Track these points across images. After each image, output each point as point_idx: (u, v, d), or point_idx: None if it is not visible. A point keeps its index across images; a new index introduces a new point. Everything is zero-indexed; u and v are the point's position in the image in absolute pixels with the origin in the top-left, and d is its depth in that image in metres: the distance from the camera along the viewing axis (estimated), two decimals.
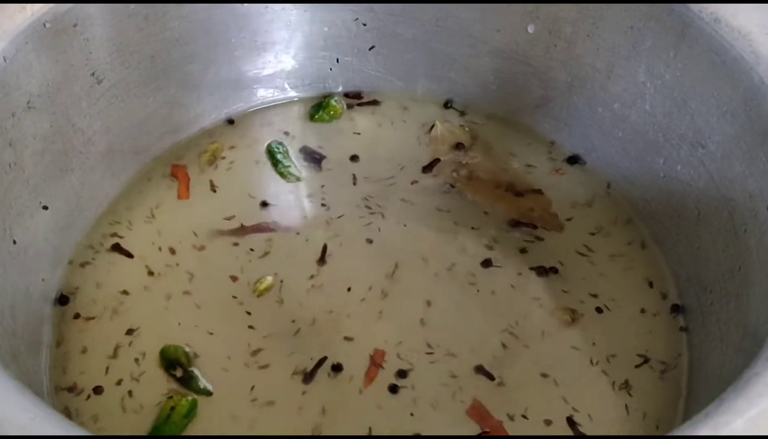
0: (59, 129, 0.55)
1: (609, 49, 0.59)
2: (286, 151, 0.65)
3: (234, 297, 0.56)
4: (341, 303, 0.56)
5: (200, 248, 0.59)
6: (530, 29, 0.62)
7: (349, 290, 0.57)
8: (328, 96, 0.69)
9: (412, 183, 0.63)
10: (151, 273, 0.57)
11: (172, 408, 0.51)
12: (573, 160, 0.65)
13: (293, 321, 0.55)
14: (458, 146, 0.65)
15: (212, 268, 0.58)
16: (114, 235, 0.59)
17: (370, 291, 0.57)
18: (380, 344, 0.54)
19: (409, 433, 0.51)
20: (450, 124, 0.67)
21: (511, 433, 0.51)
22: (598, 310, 0.56)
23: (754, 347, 0.42)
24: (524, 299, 0.57)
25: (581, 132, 0.64)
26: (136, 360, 0.53)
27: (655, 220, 0.60)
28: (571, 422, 0.51)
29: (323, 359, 0.53)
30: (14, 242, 0.52)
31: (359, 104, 0.68)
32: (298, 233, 0.60)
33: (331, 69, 0.68)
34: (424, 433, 0.51)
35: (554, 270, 0.58)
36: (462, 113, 0.68)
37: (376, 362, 0.53)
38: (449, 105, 0.68)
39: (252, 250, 0.59)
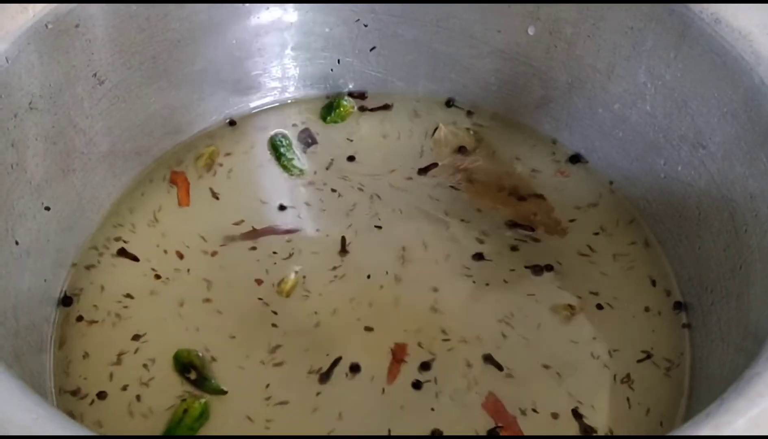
0: (61, 130, 0.55)
1: (609, 50, 0.59)
2: (290, 144, 0.65)
3: (260, 299, 0.56)
4: (362, 292, 0.57)
5: (212, 253, 0.58)
6: (530, 31, 0.62)
7: (369, 277, 0.58)
8: (338, 96, 0.69)
9: (407, 179, 0.64)
10: (158, 277, 0.57)
11: (185, 411, 0.51)
12: (575, 158, 0.65)
13: (315, 313, 0.56)
14: (461, 149, 0.65)
15: (232, 273, 0.58)
16: (119, 239, 0.59)
17: (386, 276, 0.57)
18: (400, 334, 0.54)
19: (428, 428, 0.51)
20: (454, 128, 0.67)
21: (523, 428, 0.51)
22: (599, 307, 0.57)
23: (755, 346, 0.42)
24: (519, 293, 0.57)
25: (582, 132, 0.64)
26: (145, 366, 0.53)
27: (657, 220, 0.60)
28: (576, 414, 0.52)
29: (338, 359, 0.53)
30: (17, 243, 0.52)
31: (371, 110, 0.68)
32: (318, 230, 0.60)
33: (332, 70, 0.68)
34: (442, 427, 0.51)
35: (549, 268, 0.58)
36: (469, 113, 0.68)
37: (398, 356, 0.53)
38: (451, 104, 0.68)
39: (275, 252, 0.59)
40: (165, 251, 0.58)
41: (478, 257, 0.59)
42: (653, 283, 0.58)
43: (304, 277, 0.57)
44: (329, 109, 0.68)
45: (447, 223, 0.61)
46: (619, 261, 0.59)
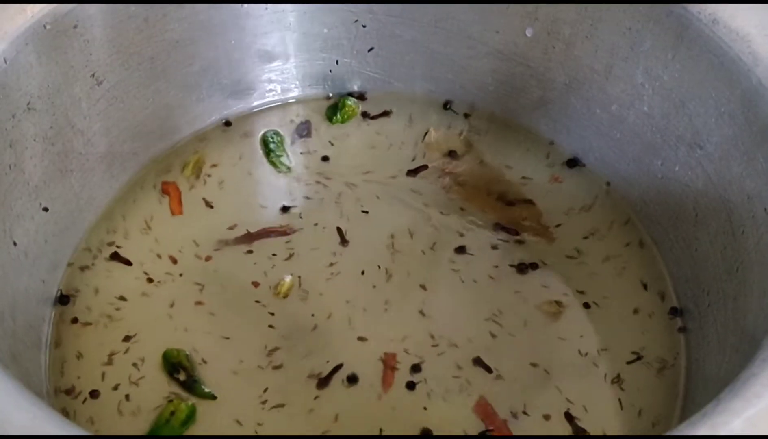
0: (59, 130, 0.55)
1: (607, 51, 0.59)
2: (280, 141, 0.66)
3: (257, 301, 0.56)
4: (357, 292, 0.57)
5: (206, 258, 0.58)
6: (528, 33, 0.62)
7: (363, 273, 0.58)
8: (342, 96, 0.69)
9: (392, 177, 0.64)
10: (150, 280, 0.57)
11: (172, 412, 0.51)
12: (573, 163, 0.65)
13: (312, 315, 0.56)
14: (451, 154, 0.65)
15: (226, 276, 0.57)
16: (111, 244, 0.59)
17: (379, 271, 0.58)
18: (389, 343, 0.54)
19: (419, 427, 0.51)
20: (445, 132, 0.67)
21: (514, 431, 0.51)
22: (586, 305, 0.57)
23: (752, 348, 0.42)
24: (505, 291, 0.57)
25: (579, 133, 0.64)
26: (135, 365, 0.53)
27: (653, 221, 0.60)
28: (568, 416, 0.52)
29: (339, 366, 0.53)
30: (14, 244, 0.52)
31: (372, 118, 0.68)
32: (316, 224, 0.61)
33: (330, 70, 0.68)
34: (433, 427, 0.51)
35: (535, 266, 0.58)
36: (466, 115, 0.68)
37: (389, 364, 0.53)
38: (448, 106, 0.69)
39: (274, 255, 0.59)
40: (158, 256, 0.58)
41: (460, 250, 0.59)
42: (645, 286, 0.58)
43: (299, 277, 0.57)
44: (334, 109, 0.68)
45: (429, 216, 0.61)
46: (611, 262, 0.59)
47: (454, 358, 0.54)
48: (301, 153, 0.66)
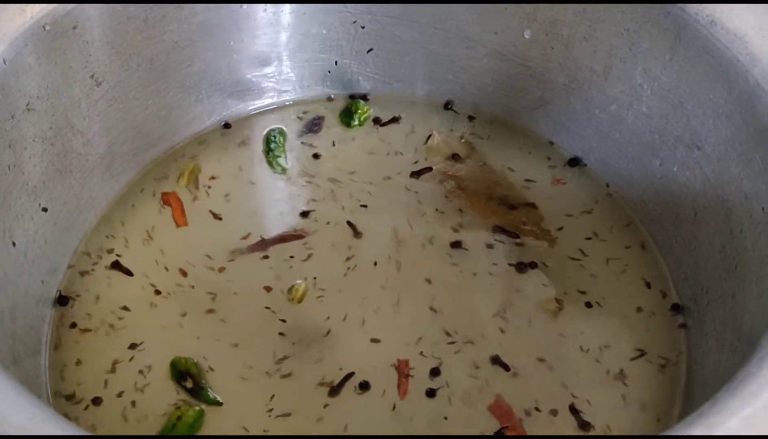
0: (58, 131, 0.55)
1: (606, 52, 0.59)
2: (282, 142, 0.66)
3: (267, 308, 0.56)
4: (371, 288, 0.57)
5: (219, 269, 0.58)
6: (527, 35, 0.62)
7: (375, 264, 0.58)
8: (354, 99, 0.69)
9: (386, 178, 0.64)
10: (158, 292, 0.57)
11: (179, 418, 0.51)
12: (574, 162, 0.65)
13: (327, 319, 0.55)
14: (453, 157, 0.65)
15: (240, 284, 0.57)
16: (111, 251, 0.59)
17: (389, 263, 0.58)
18: (403, 347, 0.54)
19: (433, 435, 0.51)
20: (447, 136, 0.67)
21: (527, 429, 0.51)
22: (588, 304, 0.57)
23: (749, 347, 0.42)
24: (506, 289, 0.57)
25: (579, 134, 0.64)
26: (141, 372, 0.53)
27: (653, 221, 0.60)
28: (573, 410, 0.52)
29: (351, 374, 0.53)
30: (14, 244, 0.52)
31: (383, 124, 0.68)
32: (328, 223, 0.61)
33: (329, 71, 0.68)
34: (451, 431, 0.51)
35: (534, 265, 0.58)
36: (470, 118, 0.68)
37: (403, 372, 0.53)
38: (449, 106, 0.69)
39: (292, 257, 0.59)
40: (166, 268, 0.58)
41: (456, 244, 0.59)
42: (648, 285, 0.58)
43: (315, 278, 0.57)
44: (350, 113, 0.68)
45: (424, 212, 0.62)
46: (612, 265, 0.59)
47: (471, 357, 0.54)
48: (303, 143, 0.66)
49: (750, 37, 0.50)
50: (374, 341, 0.55)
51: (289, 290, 0.57)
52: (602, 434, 0.51)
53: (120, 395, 0.52)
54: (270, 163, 0.64)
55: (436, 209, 0.62)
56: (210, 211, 0.61)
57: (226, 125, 0.67)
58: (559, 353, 0.54)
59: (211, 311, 0.56)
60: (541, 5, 0.60)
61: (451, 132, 0.67)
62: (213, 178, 0.63)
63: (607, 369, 0.54)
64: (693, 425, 0.36)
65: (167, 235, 0.60)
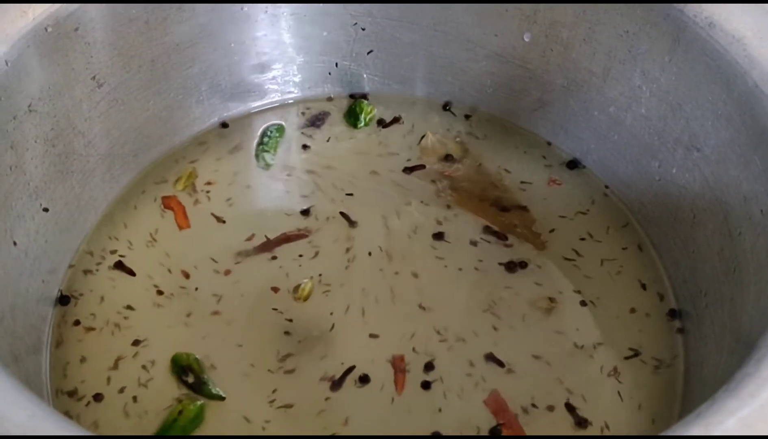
0: (60, 132, 0.55)
1: (605, 54, 0.59)
2: (277, 138, 0.66)
3: (275, 309, 0.56)
4: (369, 277, 0.58)
5: (225, 272, 0.58)
6: (526, 38, 0.62)
7: (370, 254, 0.59)
8: (357, 99, 0.69)
9: (373, 173, 0.65)
10: (160, 292, 0.57)
11: (180, 412, 0.51)
12: (572, 164, 0.65)
13: (331, 313, 0.56)
14: (447, 158, 0.65)
15: (246, 286, 0.57)
16: (114, 252, 0.59)
17: (381, 253, 0.59)
18: (398, 342, 0.55)
19: (431, 429, 0.51)
20: (442, 136, 0.67)
21: (523, 425, 0.51)
22: (582, 303, 0.57)
23: (747, 348, 0.42)
24: (495, 285, 0.58)
25: (578, 135, 0.64)
26: (144, 367, 0.53)
27: (652, 223, 0.60)
28: (569, 407, 0.52)
29: (352, 368, 0.53)
30: (15, 244, 0.52)
31: (386, 125, 0.68)
32: (327, 218, 0.61)
33: (330, 73, 0.69)
34: (446, 427, 0.51)
35: (524, 265, 0.59)
36: (467, 117, 0.68)
37: (399, 367, 0.53)
38: (448, 107, 0.69)
39: (301, 255, 0.59)
40: (169, 270, 0.58)
41: (439, 236, 0.60)
42: (643, 286, 0.58)
43: (320, 275, 0.58)
44: (354, 114, 0.68)
45: (409, 204, 0.62)
46: (607, 265, 0.59)
47: (465, 354, 0.54)
48: (303, 133, 0.67)
49: (749, 40, 0.50)
50: (373, 336, 0.55)
51: (295, 289, 0.57)
52: (599, 432, 0.52)
53: (122, 390, 0.52)
54: (257, 156, 0.65)
55: (422, 201, 0.62)
56: (212, 214, 0.61)
57: (224, 125, 0.67)
58: (553, 349, 0.55)
59: (216, 313, 0.56)
60: (541, 7, 0.60)
61: (447, 132, 0.67)
62: (209, 183, 0.63)
63: (600, 366, 0.54)
64: (691, 425, 0.36)
65: (171, 238, 0.60)
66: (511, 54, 0.64)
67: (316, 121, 0.68)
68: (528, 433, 0.51)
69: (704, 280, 0.54)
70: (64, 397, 0.52)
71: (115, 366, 0.54)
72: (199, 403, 0.52)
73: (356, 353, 0.54)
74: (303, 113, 0.68)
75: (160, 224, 0.61)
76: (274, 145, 0.66)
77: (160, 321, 0.56)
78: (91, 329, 0.55)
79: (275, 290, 0.57)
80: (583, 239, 0.60)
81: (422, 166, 0.65)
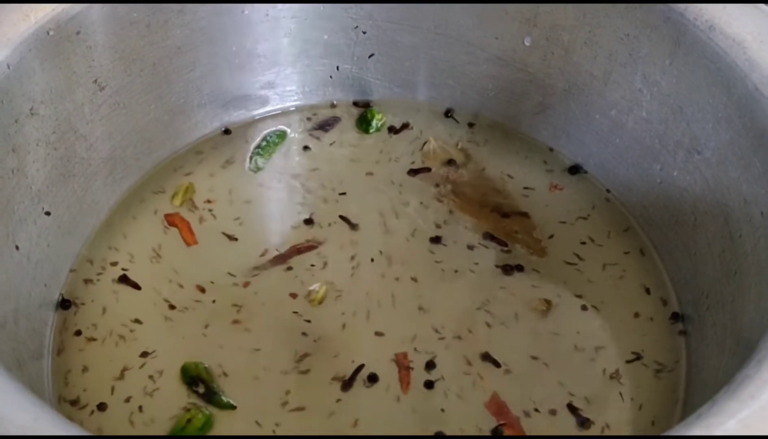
0: (62, 135, 0.56)
1: (606, 57, 0.60)
2: (274, 143, 0.66)
3: (295, 312, 0.56)
4: (374, 282, 0.58)
5: (244, 284, 0.58)
6: (527, 42, 0.63)
7: (372, 260, 0.59)
8: (367, 106, 0.69)
9: (368, 174, 0.65)
10: (172, 307, 0.57)
11: (189, 420, 0.51)
12: (574, 170, 0.65)
13: (342, 313, 0.56)
14: (450, 163, 0.65)
15: (266, 295, 0.57)
16: (115, 264, 0.59)
17: (382, 258, 0.59)
18: (401, 340, 0.55)
19: (434, 430, 0.51)
20: (444, 142, 0.67)
21: (526, 429, 0.51)
22: (583, 308, 0.57)
23: (748, 350, 0.42)
24: (491, 286, 0.58)
25: (579, 139, 0.64)
26: (151, 377, 0.53)
27: (653, 227, 0.60)
28: (572, 408, 0.52)
29: (361, 366, 0.54)
30: (17, 248, 0.52)
31: (396, 132, 0.68)
32: (330, 224, 0.61)
33: (331, 77, 0.69)
34: (449, 427, 0.51)
35: (520, 268, 0.59)
36: (470, 125, 0.68)
37: (402, 364, 0.54)
38: (450, 114, 0.69)
39: (313, 265, 0.59)
40: (180, 286, 0.58)
41: (436, 240, 0.60)
42: (647, 291, 0.58)
43: (332, 282, 0.58)
44: (365, 121, 0.68)
45: (407, 204, 0.63)
46: (609, 270, 0.59)
47: (461, 351, 0.54)
48: (311, 134, 0.67)
49: (749, 43, 0.50)
50: (378, 334, 0.55)
51: (310, 293, 0.57)
52: (601, 432, 0.52)
53: (127, 400, 0.52)
54: (250, 159, 0.65)
55: (421, 203, 0.63)
56: (224, 233, 0.61)
57: (226, 131, 0.67)
58: (552, 351, 0.55)
59: (236, 321, 0.56)
60: (541, 10, 0.61)
61: (449, 138, 0.67)
62: (209, 201, 0.63)
63: (603, 368, 0.54)
64: (692, 427, 0.36)
65: (177, 254, 0.60)
66: (512, 57, 0.64)
67: (326, 125, 0.68)
68: (529, 433, 0.51)
69: (705, 282, 0.54)
70: (67, 405, 0.52)
71: (121, 377, 0.53)
72: (207, 412, 0.51)
73: (365, 351, 0.54)
74: (309, 119, 0.69)
75: (162, 240, 0.60)
76: (271, 150, 0.66)
77: (171, 333, 0.55)
78: (92, 339, 0.55)
79: (293, 296, 0.57)
80: (584, 243, 0.60)
81: (428, 169, 0.65)
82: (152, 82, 0.61)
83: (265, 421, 0.51)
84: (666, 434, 0.36)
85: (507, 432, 0.51)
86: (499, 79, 0.66)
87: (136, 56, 0.59)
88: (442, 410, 0.52)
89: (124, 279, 0.58)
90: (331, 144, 0.67)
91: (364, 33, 0.66)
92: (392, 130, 0.68)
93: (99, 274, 0.58)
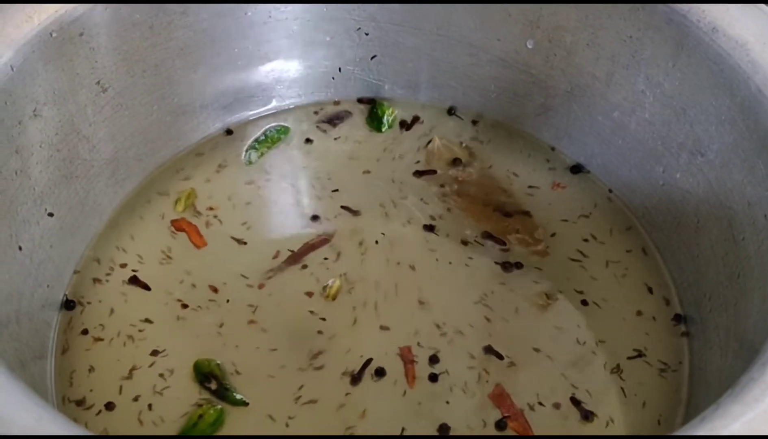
0: (65, 137, 0.56)
1: (608, 58, 0.59)
2: (273, 139, 0.66)
3: (311, 312, 0.57)
4: (381, 271, 0.59)
5: (259, 286, 0.58)
6: (529, 44, 0.63)
7: (377, 242, 0.60)
8: (376, 101, 0.69)
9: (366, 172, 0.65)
10: (185, 306, 0.57)
11: (200, 416, 0.51)
12: (576, 169, 0.65)
13: (354, 308, 0.57)
14: (455, 162, 0.65)
15: (281, 295, 0.57)
16: (124, 266, 0.59)
17: (384, 238, 0.60)
18: (403, 336, 0.55)
19: (440, 422, 0.52)
20: (448, 141, 0.67)
21: (530, 420, 0.52)
22: (584, 302, 0.57)
23: (752, 353, 0.42)
24: (489, 280, 0.58)
25: (581, 140, 0.64)
26: (161, 375, 0.53)
27: (656, 228, 0.60)
28: (575, 401, 0.52)
29: (369, 361, 0.54)
30: (20, 249, 0.52)
31: (407, 128, 0.68)
32: (336, 216, 0.62)
33: (333, 78, 0.69)
34: (454, 419, 0.52)
35: (519, 265, 0.59)
36: (474, 122, 0.68)
37: (407, 358, 0.54)
38: (453, 112, 0.69)
39: (326, 258, 0.59)
40: (193, 285, 0.58)
41: (429, 228, 0.61)
42: (650, 290, 0.58)
43: (345, 274, 0.58)
44: (376, 118, 0.68)
45: (405, 198, 0.63)
46: (612, 268, 0.59)
47: (464, 346, 0.55)
48: (318, 127, 0.67)
49: (751, 45, 0.51)
50: (383, 328, 0.56)
51: (324, 289, 0.58)
52: (604, 426, 0.52)
53: (136, 399, 0.52)
54: (246, 151, 0.65)
55: (421, 199, 0.63)
56: (233, 237, 0.61)
57: (228, 131, 0.67)
58: (554, 344, 0.55)
59: (252, 322, 0.56)
60: (544, 12, 0.61)
61: (454, 137, 0.67)
62: (212, 209, 0.63)
63: (604, 362, 0.54)
64: (696, 429, 0.36)
65: (188, 256, 0.60)
66: (515, 59, 0.64)
67: (335, 119, 0.68)
68: (533, 426, 0.52)
69: (708, 284, 0.54)
70: (72, 405, 0.52)
71: (129, 376, 0.53)
72: (219, 407, 0.51)
73: (372, 346, 0.55)
74: (316, 113, 0.69)
75: (171, 243, 0.60)
76: (269, 145, 0.66)
77: (183, 333, 0.55)
78: (99, 339, 0.55)
79: (309, 294, 0.57)
80: (586, 241, 0.61)
81: (433, 171, 0.65)
82: (155, 83, 0.61)
83: (279, 415, 0.52)
84: (671, 434, 0.36)
85: (511, 425, 0.51)
86: (502, 80, 0.66)
87: (138, 58, 0.59)
88: (447, 402, 0.52)
89: (134, 280, 0.58)
90: (335, 139, 0.67)
91: (367, 34, 0.66)
92: (404, 125, 0.68)
93: (107, 274, 0.58)
